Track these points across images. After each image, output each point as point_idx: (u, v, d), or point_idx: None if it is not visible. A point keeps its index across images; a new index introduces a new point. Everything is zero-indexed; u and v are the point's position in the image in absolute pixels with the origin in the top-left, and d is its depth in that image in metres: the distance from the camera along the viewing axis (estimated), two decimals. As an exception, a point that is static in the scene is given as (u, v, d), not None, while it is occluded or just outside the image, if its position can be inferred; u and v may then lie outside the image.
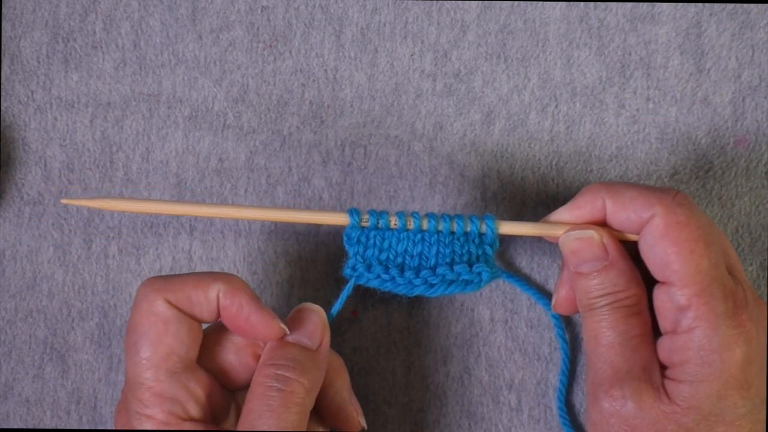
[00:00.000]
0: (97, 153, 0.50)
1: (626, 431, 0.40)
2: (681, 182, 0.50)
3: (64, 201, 0.44)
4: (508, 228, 0.44)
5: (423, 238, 0.43)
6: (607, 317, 0.41)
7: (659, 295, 0.40)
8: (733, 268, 0.41)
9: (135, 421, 0.39)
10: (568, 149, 0.50)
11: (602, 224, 0.42)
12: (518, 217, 0.49)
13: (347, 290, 0.44)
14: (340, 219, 0.44)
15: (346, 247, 0.44)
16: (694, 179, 0.49)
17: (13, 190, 0.50)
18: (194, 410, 0.40)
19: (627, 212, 0.41)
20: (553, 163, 0.50)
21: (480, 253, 0.44)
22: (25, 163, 0.50)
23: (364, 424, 0.45)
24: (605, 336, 0.41)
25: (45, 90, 0.50)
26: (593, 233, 0.42)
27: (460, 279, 0.44)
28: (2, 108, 0.50)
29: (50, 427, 0.49)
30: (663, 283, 0.40)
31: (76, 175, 0.50)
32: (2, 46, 0.51)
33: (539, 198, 0.50)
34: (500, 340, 0.49)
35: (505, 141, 0.50)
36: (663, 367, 0.40)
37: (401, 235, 0.43)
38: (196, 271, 0.49)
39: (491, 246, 0.44)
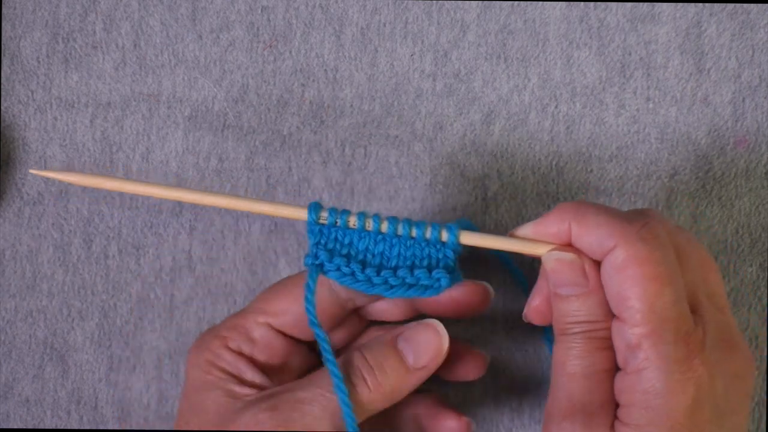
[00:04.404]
0: (97, 153, 0.50)
1: None
2: (681, 182, 0.50)
3: (32, 171, 0.44)
4: (472, 239, 0.42)
5: (384, 239, 0.43)
6: (578, 346, 0.39)
7: (614, 329, 0.39)
8: (713, 296, 0.40)
9: (210, 335, 0.42)
10: (568, 149, 0.50)
11: (568, 245, 0.41)
12: (519, 217, 0.49)
13: (312, 280, 0.42)
14: (299, 214, 0.43)
15: (309, 236, 0.43)
16: (694, 179, 0.50)
17: (13, 190, 0.50)
18: (260, 357, 0.42)
19: (590, 238, 0.39)
20: (553, 163, 0.50)
21: (441, 257, 0.43)
22: (25, 163, 0.50)
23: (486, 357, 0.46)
24: (571, 364, 0.39)
25: (45, 90, 0.50)
26: (574, 257, 0.40)
27: (420, 283, 0.43)
28: (2, 108, 0.50)
29: (50, 427, 0.49)
30: (617, 318, 0.38)
31: (76, 175, 0.50)
32: (2, 46, 0.50)
33: (539, 198, 0.50)
34: (501, 341, 0.49)
35: (505, 141, 0.50)
36: (616, 406, 0.39)
37: (363, 232, 0.43)
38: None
39: (454, 251, 0.43)
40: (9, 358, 0.49)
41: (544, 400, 0.48)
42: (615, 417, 0.38)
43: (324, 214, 0.42)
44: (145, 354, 0.49)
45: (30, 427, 0.49)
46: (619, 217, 0.38)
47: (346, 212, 0.43)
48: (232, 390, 0.41)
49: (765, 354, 0.49)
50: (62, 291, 0.49)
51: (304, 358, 0.44)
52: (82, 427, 0.49)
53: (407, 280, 0.42)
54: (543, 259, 0.41)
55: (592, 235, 0.39)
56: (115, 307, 0.49)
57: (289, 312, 0.43)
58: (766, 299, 0.49)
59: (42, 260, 0.50)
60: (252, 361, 0.42)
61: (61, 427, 0.49)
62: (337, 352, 0.45)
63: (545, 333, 0.47)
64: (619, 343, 0.38)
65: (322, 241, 0.43)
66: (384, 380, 0.40)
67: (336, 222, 0.42)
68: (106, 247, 0.50)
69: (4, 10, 0.51)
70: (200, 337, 0.43)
